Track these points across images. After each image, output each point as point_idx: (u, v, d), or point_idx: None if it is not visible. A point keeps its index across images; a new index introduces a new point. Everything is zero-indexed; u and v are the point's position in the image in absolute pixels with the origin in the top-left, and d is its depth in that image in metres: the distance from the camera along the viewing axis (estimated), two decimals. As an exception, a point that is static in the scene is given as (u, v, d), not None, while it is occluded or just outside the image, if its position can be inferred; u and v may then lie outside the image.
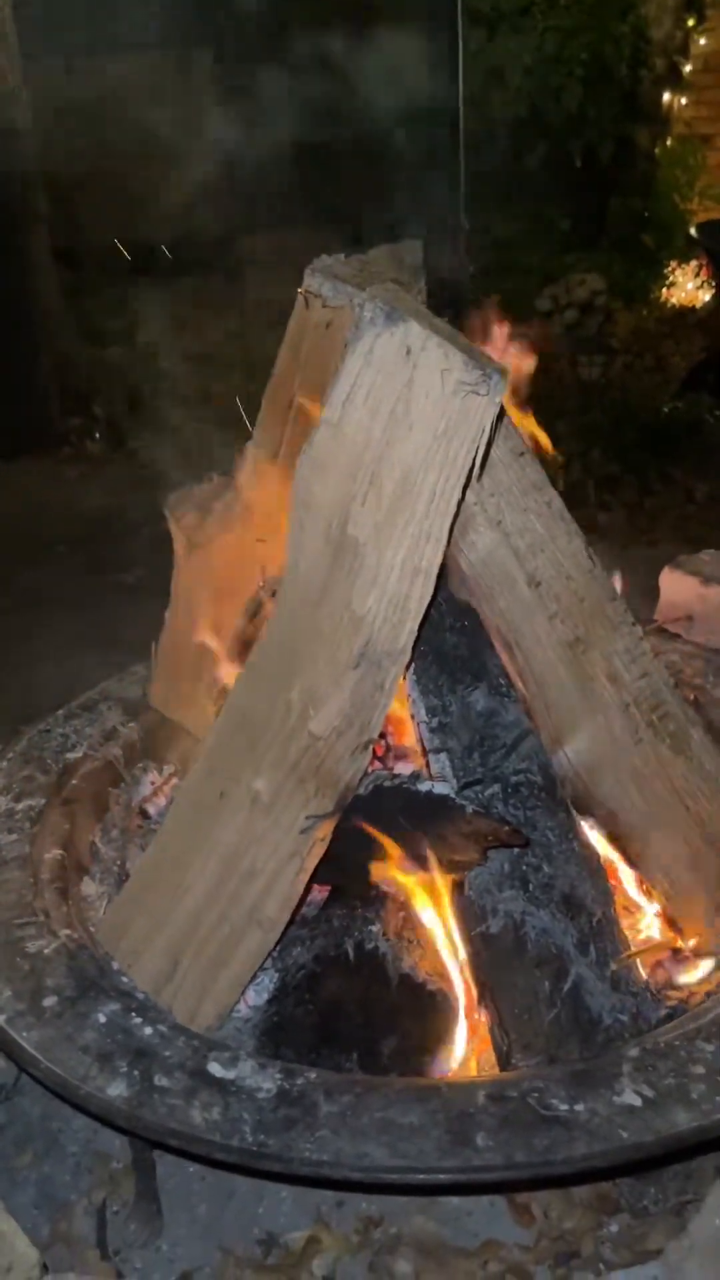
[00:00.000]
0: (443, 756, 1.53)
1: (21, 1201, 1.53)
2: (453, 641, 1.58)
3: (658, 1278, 1.37)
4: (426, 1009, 1.51)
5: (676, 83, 7.37)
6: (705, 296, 6.80)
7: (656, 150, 7.45)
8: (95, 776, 1.93)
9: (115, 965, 1.53)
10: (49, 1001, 1.43)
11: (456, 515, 1.32)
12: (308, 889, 1.50)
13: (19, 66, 4.74)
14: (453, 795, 1.47)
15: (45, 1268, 1.31)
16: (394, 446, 1.28)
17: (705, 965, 1.60)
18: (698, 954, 1.61)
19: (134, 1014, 1.42)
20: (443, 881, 1.52)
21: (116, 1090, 1.30)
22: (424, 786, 1.49)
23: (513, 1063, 1.45)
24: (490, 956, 1.49)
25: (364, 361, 1.26)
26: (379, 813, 1.48)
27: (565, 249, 6.90)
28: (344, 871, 1.54)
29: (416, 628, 1.36)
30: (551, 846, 1.54)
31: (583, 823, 1.61)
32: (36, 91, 4.96)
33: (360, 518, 1.31)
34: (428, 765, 1.53)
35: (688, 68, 7.42)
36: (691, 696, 2.00)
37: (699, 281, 6.96)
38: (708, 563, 2.43)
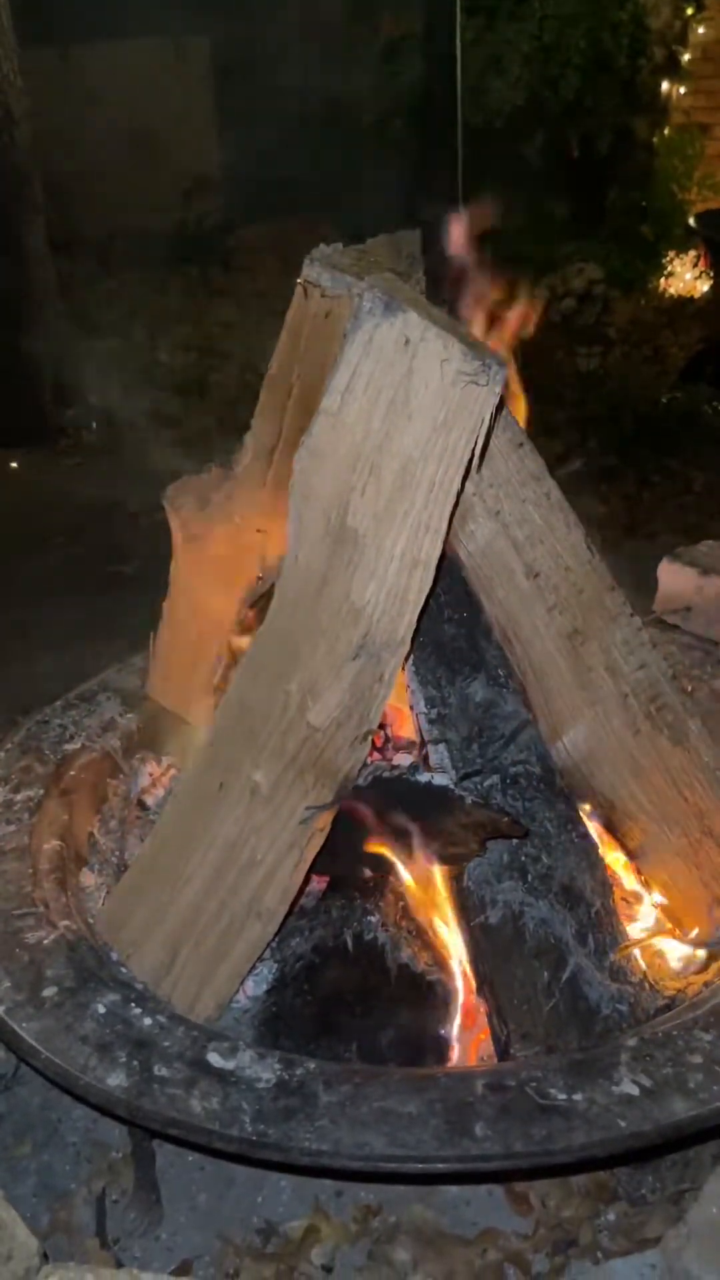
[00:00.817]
0: (441, 748, 1.53)
1: (21, 1191, 1.53)
2: (451, 633, 1.58)
3: (655, 1266, 1.37)
4: (425, 999, 1.51)
5: (675, 72, 7.35)
6: (703, 287, 6.79)
7: (655, 140, 7.43)
8: (94, 767, 1.93)
9: (114, 956, 1.53)
10: (48, 992, 1.43)
11: (456, 506, 1.32)
12: (306, 880, 1.50)
13: (14, 55, 4.71)
14: (452, 786, 1.47)
15: (45, 1257, 1.31)
16: (393, 437, 1.28)
17: (702, 955, 1.60)
18: (695, 944, 1.62)
19: (133, 1004, 1.43)
20: (441, 872, 1.53)
21: (116, 1080, 1.30)
22: (423, 778, 1.49)
23: (511, 1052, 1.46)
24: (489, 947, 1.50)
25: (363, 352, 1.26)
26: (378, 804, 1.48)
27: (563, 238, 6.88)
28: (343, 862, 1.55)
29: (415, 619, 1.36)
30: (550, 837, 1.54)
31: (581, 813, 1.61)
32: (32, 80, 4.92)
33: (359, 508, 1.31)
34: (426, 757, 1.53)
35: (686, 57, 7.39)
36: (689, 688, 2.00)
37: (697, 272, 6.94)
38: (706, 554, 2.43)
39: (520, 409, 1.57)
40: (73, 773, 1.89)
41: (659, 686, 1.58)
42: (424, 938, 1.56)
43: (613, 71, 6.95)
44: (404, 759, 1.61)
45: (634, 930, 1.63)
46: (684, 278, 6.96)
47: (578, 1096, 1.26)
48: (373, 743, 1.46)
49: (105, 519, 4.02)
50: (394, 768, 1.52)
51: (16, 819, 1.76)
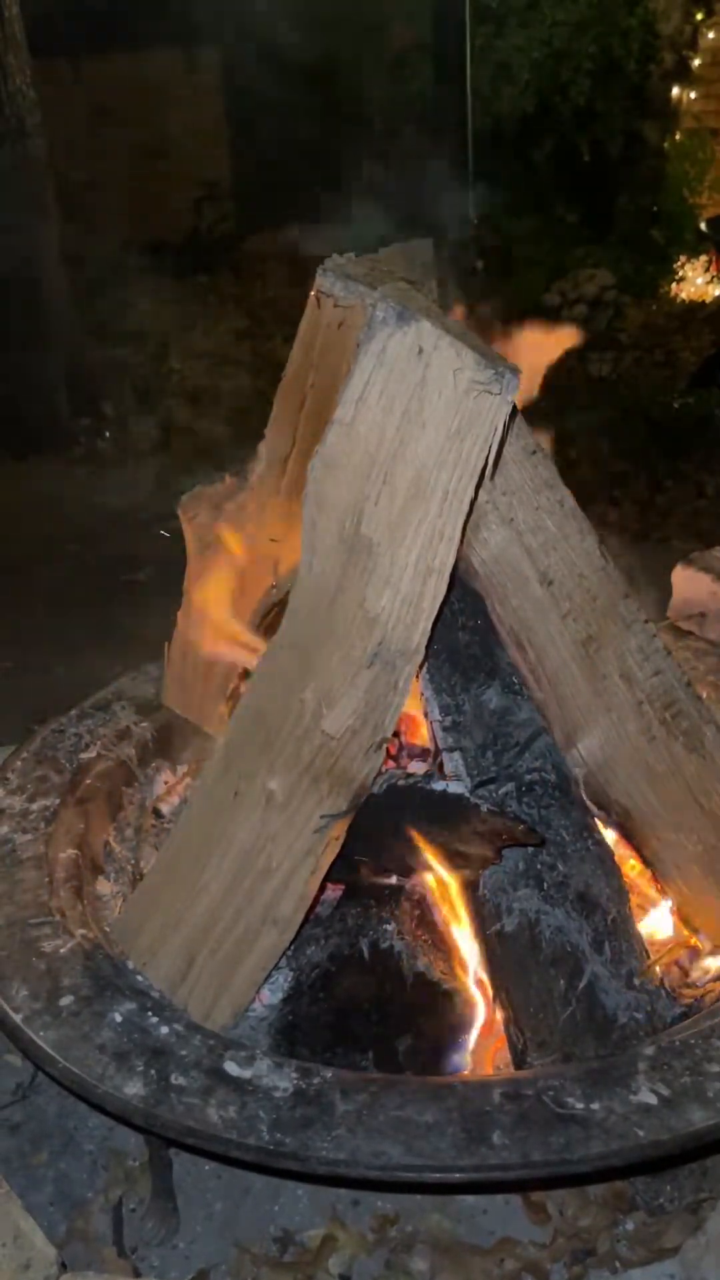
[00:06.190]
0: (456, 755, 1.53)
1: (39, 1199, 1.54)
2: (465, 640, 1.58)
3: (674, 1275, 1.37)
4: (441, 1007, 1.51)
5: (685, 77, 7.36)
6: (715, 291, 6.79)
7: (665, 145, 7.44)
8: (109, 776, 1.93)
9: (131, 964, 1.53)
10: (65, 1001, 1.43)
11: (469, 514, 1.32)
12: (322, 888, 1.50)
13: (28, 67, 4.74)
14: (467, 794, 1.47)
15: (63, 1265, 1.32)
16: (407, 446, 1.28)
17: (720, 963, 1.60)
18: (713, 951, 1.61)
19: (150, 1013, 1.43)
20: (457, 880, 1.53)
21: (133, 1089, 1.31)
22: (438, 785, 1.49)
23: (528, 1061, 1.45)
24: (505, 955, 1.49)
25: (376, 361, 1.27)
26: (393, 812, 1.48)
27: (574, 244, 6.89)
28: (358, 870, 1.55)
29: (430, 627, 1.36)
30: (566, 845, 1.54)
31: (597, 821, 1.61)
32: (45, 92, 4.96)
33: (373, 517, 1.31)
34: (441, 764, 1.53)
35: (696, 62, 7.40)
36: (705, 694, 2.00)
37: (708, 276, 6.95)
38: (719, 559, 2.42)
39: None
40: (88, 781, 1.90)
41: (674, 693, 1.58)
42: (440, 946, 1.56)
43: (623, 77, 6.97)
44: (419, 767, 1.61)
45: (649, 937, 1.62)
46: (695, 282, 6.96)
47: (595, 1105, 1.26)
48: (387, 750, 1.46)
49: (119, 527, 4.04)
50: (409, 775, 1.52)
51: (33, 828, 1.76)
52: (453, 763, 1.52)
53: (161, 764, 2.03)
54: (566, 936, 1.49)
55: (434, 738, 1.56)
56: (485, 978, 1.52)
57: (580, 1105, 1.26)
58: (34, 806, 1.81)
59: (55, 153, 5.09)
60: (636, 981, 1.50)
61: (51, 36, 5.42)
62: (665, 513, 4.20)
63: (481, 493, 1.38)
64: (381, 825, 1.49)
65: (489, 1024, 1.51)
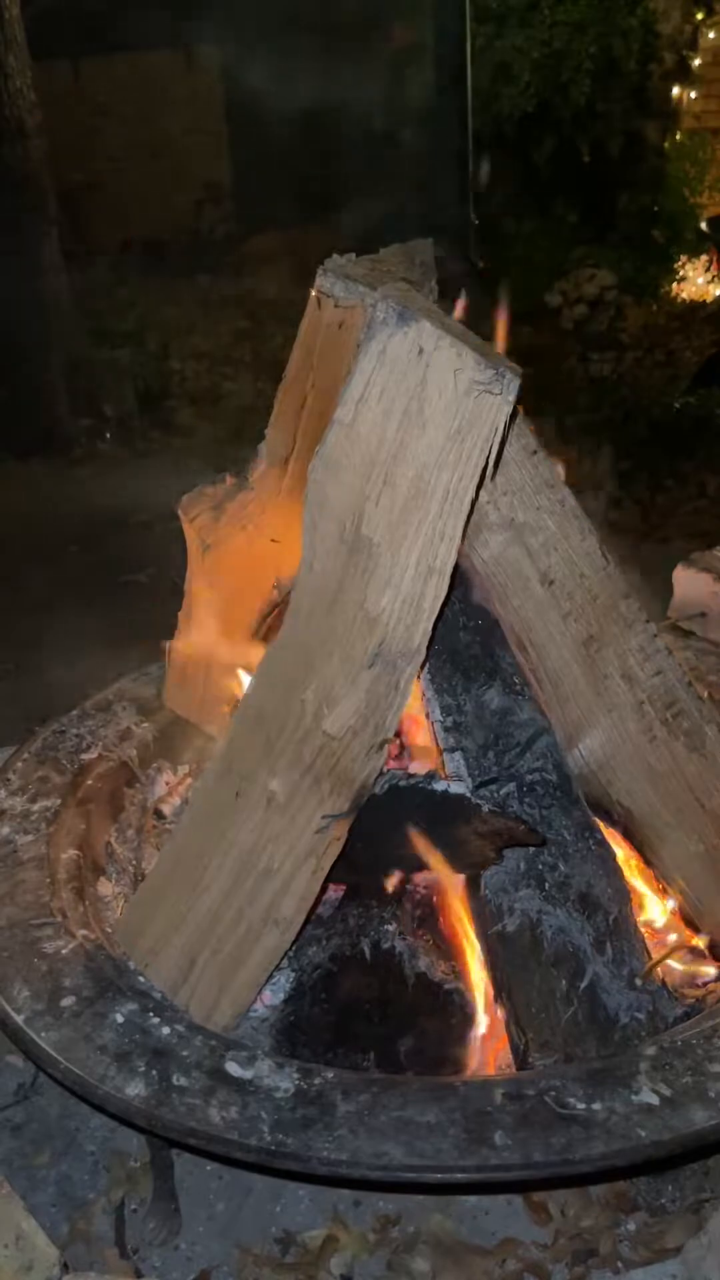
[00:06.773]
0: (457, 755, 1.53)
1: (41, 1200, 1.54)
2: (466, 640, 1.58)
3: (676, 1276, 1.37)
4: (443, 1008, 1.51)
5: (685, 77, 7.36)
6: (716, 291, 6.79)
7: (666, 144, 7.44)
8: (110, 777, 1.93)
9: (132, 965, 1.53)
10: (67, 1001, 1.43)
11: (470, 514, 1.32)
12: (323, 888, 1.50)
13: (28, 69, 4.74)
14: (468, 794, 1.47)
15: (65, 1266, 1.32)
16: (407, 446, 1.28)
17: (722, 963, 1.60)
18: (714, 951, 1.61)
19: (151, 1014, 1.43)
20: (458, 881, 1.52)
21: (135, 1090, 1.31)
22: (440, 786, 1.49)
23: (530, 1061, 1.45)
24: (507, 955, 1.49)
25: (377, 361, 1.26)
26: (395, 812, 1.47)
27: (574, 244, 6.90)
28: (360, 870, 1.55)
29: (431, 627, 1.36)
30: (567, 845, 1.54)
31: (598, 821, 1.60)
32: (45, 93, 4.96)
33: (374, 517, 1.31)
34: (443, 764, 1.53)
35: (696, 61, 7.40)
36: (705, 694, 1.99)
37: (709, 276, 6.95)
38: (721, 559, 2.42)
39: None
40: (90, 782, 1.90)
41: (675, 693, 1.58)
42: (441, 946, 1.56)
43: (623, 77, 6.98)
44: (420, 767, 1.61)
45: (651, 937, 1.62)
46: (696, 282, 6.96)
47: (597, 1106, 1.26)
48: (389, 751, 1.46)
49: (119, 528, 4.04)
50: (410, 776, 1.52)
51: (34, 828, 1.76)
52: (454, 763, 1.52)
53: (163, 764, 2.03)
54: (568, 937, 1.49)
55: (435, 738, 1.56)
56: (487, 978, 1.52)
57: (582, 1105, 1.26)
58: (35, 807, 1.81)
59: (55, 153, 5.09)
60: (638, 982, 1.50)
61: (51, 37, 5.42)
62: (666, 513, 4.20)
63: (482, 493, 1.38)
64: (383, 826, 1.49)
65: (490, 1024, 1.51)
